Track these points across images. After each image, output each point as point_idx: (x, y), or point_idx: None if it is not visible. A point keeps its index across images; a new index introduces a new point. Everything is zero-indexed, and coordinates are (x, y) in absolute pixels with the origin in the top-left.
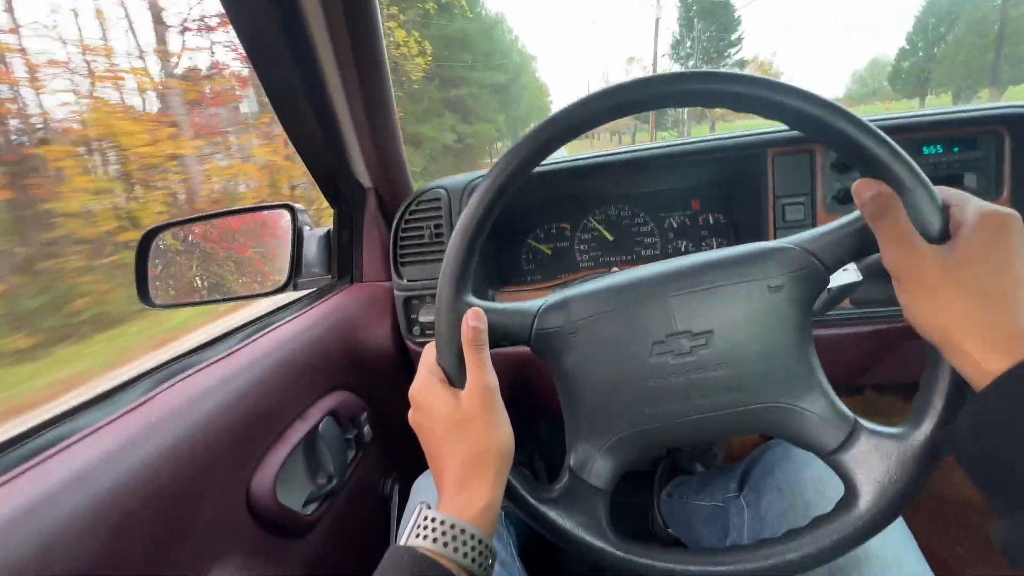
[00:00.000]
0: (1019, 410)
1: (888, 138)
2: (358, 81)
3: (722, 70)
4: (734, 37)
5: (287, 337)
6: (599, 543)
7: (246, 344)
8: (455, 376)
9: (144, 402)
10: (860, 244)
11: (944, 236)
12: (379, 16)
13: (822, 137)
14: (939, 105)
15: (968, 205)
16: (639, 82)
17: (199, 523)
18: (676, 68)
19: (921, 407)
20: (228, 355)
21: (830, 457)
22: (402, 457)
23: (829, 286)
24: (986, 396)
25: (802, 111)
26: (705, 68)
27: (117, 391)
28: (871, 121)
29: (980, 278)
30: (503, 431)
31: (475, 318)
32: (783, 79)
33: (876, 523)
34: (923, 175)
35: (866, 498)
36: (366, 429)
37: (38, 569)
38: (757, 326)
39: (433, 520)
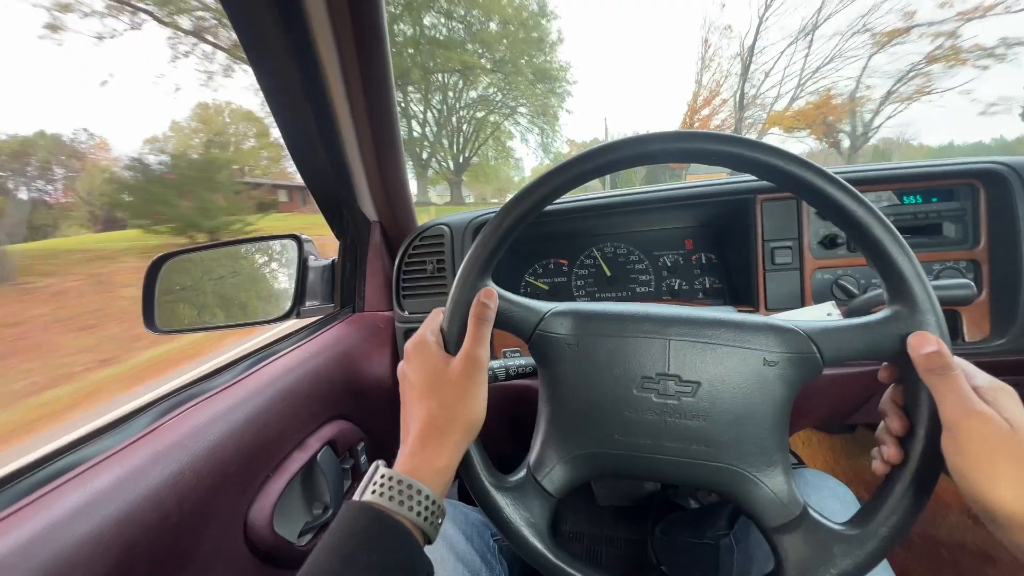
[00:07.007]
0: None
1: (922, 274)
2: (368, 120)
3: (791, 152)
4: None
5: (290, 366)
6: (536, 543)
7: (250, 373)
8: (452, 343)
9: (151, 431)
10: (863, 352)
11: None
12: (390, 58)
13: (855, 238)
14: None
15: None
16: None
17: (198, 553)
18: None
19: (871, 510)
20: (232, 384)
21: (769, 533)
22: None
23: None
24: None
25: (833, 200)
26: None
27: (125, 420)
28: (854, 178)
29: None
30: (476, 403)
31: (487, 296)
32: None
33: None
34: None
35: None
36: (363, 459)
37: None
38: (743, 392)
39: (388, 478)
